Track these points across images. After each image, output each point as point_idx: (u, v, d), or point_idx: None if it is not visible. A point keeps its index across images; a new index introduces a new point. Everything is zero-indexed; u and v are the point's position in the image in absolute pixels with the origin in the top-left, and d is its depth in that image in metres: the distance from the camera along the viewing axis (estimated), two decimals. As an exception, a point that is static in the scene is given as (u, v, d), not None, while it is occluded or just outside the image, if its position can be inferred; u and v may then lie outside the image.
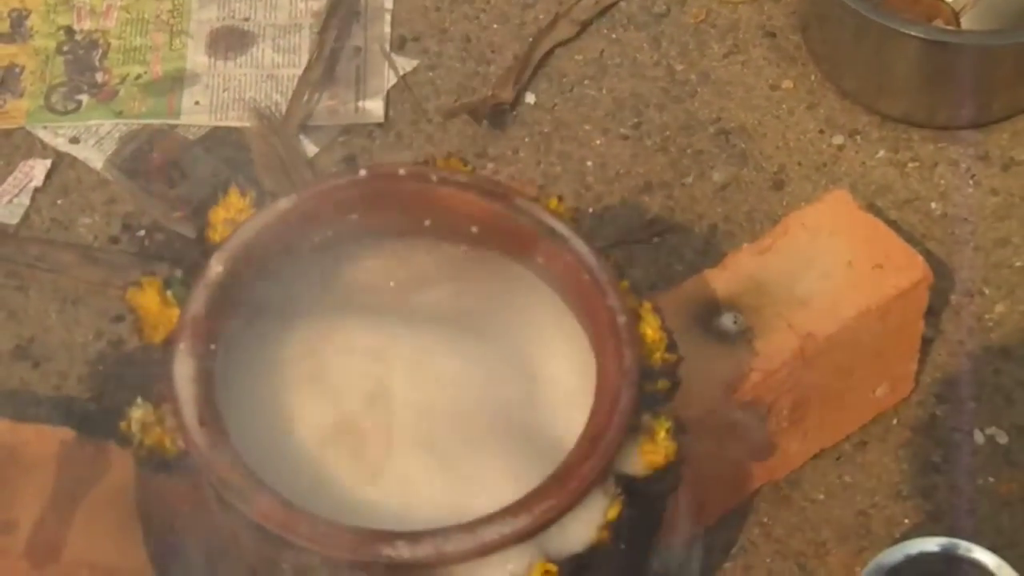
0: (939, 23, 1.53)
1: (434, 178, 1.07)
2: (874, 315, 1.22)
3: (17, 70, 1.54)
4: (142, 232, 1.42)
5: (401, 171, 1.08)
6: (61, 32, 1.57)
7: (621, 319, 1.01)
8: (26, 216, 1.43)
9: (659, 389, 1.01)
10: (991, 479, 1.28)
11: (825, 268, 1.23)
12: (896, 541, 1.12)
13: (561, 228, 1.05)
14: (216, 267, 1.02)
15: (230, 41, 1.56)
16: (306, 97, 1.50)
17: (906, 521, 1.26)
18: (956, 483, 1.28)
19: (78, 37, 1.57)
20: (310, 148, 1.48)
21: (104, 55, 1.55)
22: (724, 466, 1.21)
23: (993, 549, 1.07)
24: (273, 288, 1.05)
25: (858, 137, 1.49)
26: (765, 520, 1.25)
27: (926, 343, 1.32)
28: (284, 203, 1.05)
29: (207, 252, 1.04)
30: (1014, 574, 1.06)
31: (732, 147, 1.49)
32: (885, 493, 1.27)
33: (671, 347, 1.02)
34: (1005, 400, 1.32)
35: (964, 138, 1.49)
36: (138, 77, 1.53)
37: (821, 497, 1.27)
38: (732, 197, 1.45)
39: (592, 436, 0.97)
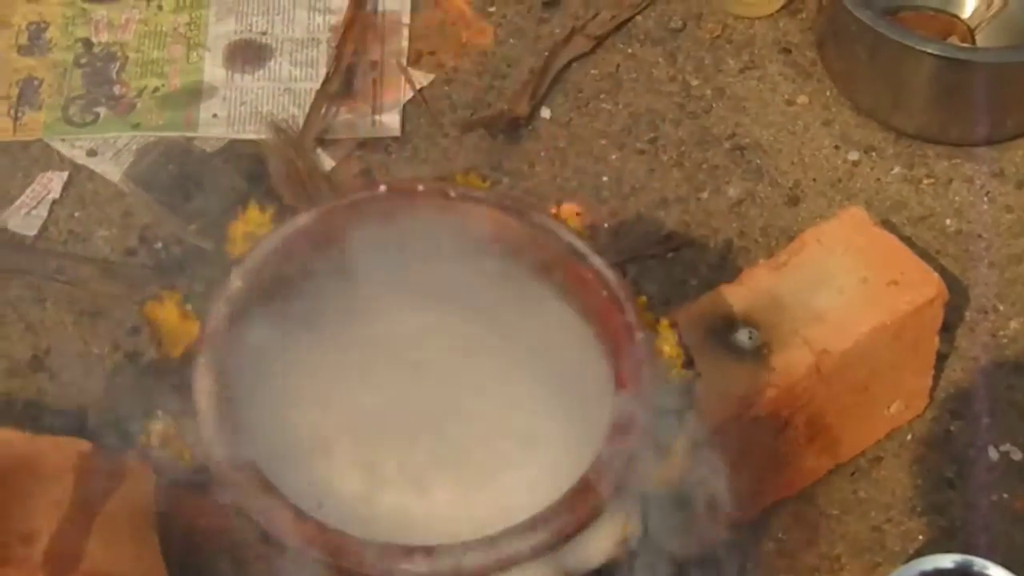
0: (954, 40, 1.53)
1: (452, 194, 1.08)
2: (889, 331, 1.23)
3: (35, 83, 1.54)
4: (159, 245, 1.42)
5: (420, 187, 1.08)
6: (79, 45, 1.57)
7: (639, 335, 1.01)
8: (44, 228, 1.43)
9: (676, 405, 1.02)
10: (1005, 495, 1.28)
11: (840, 284, 1.24)
12: (910, 557, 1.13)
13: (579, 244, 1.05)
14: (236, 281, 1.02)
15: (247, 55, 1.57)
16: (323, 111, 1.51)
17: (920, 537, 1.26)
18: (970, 499, 1.28)
19: (96, 50, 1.57)
20: (327, 161, 1.48)
21: (122, 68, 1.56)
22: (739, 481, 1.21)
23: (1007, 566, 1.07)
24: (292, 302, 1.05)
25: (873, 153, 1.50)
26: (779, 535, 1.25)
27: (940, 359, 1.33)
28: (304, 218, 1.06)
29: (226, 266, 1.04)
30: (1029, 591, 1.06)
31: (747, 162, 1.49)
32: (900, 509, 1.27)
33: (688, 363, 1.03)
34: (1019, 416, 1.32)
35: (979, 155, 1.49)
36: (156, 90, 1.54)
37: (835, 512, 1.27)
38: (747, 212, 1.45)
39: (609, 452, 0.97)
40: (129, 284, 1.38)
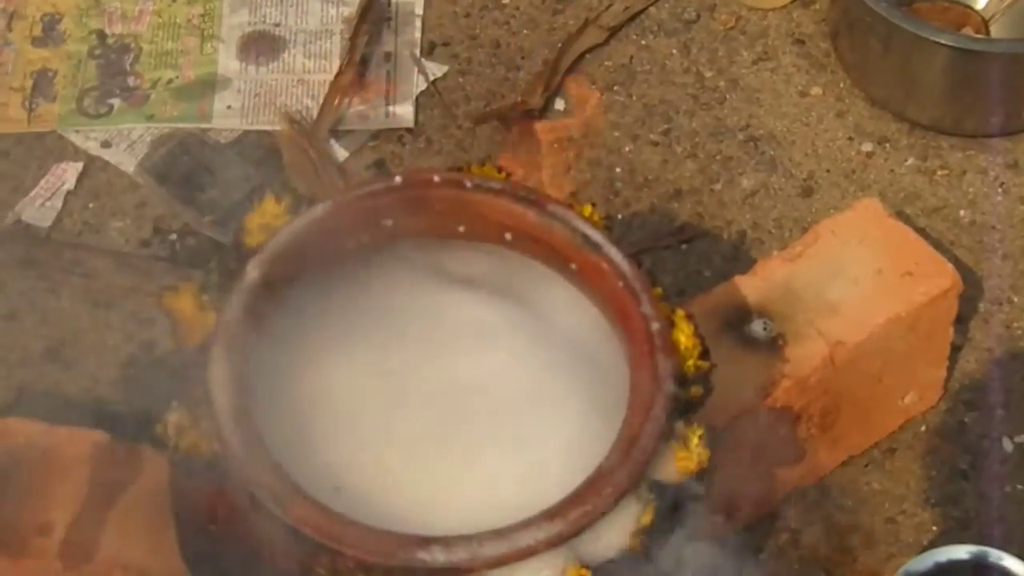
0: (968, 31, 1.53)
1: (468, 184, 1.08)
2: (903, 323, 1.23)
3: (50, 74, 1.54)
4: (173, 236, 1.42)
5: (436, 177, 1.08)
6: (93, 36, 1.58)
7: (655, 326, 1.01)
8: (58, 219, 1.44)
9: (692, 396, 1.02)
10: (1020, 486, 1.28)
11: (855, 275, 1.24)
12: (924, 548, 1.13)
13: (595, 235, 1.05)
14: (252, 272, 1.02)
15: (261, 46, 1.57)
16: (337, 102, 1.51)
17: (934, 528, 1.26)
18: (984, 490, 1.28)
19: (110, 41, 1.57)
20: (340, 153, 1.48)
21: (136, 59, 1.56)
22: (754, 472, 1.21)
23: (1022, 557, 1.07)
24: (309, 292, 1.05)
25: (887, 144, 1.50)
26: (793, 526, 1.25)
27: (955, 350, 1.33)
28: (320, 209, 1.06)
29: (243, 257, 1.04)
30: (1044, 581, 1.06)
31: (761, 154, 1.49)
32: (913, 500, 1.27)
33: (704, 354, 1.03)
34: (1033, 407, 1.32)
35: (993, 146, 1.49)
36: (169, 81, 1.54)
37: (849, 504, 1.27)
38: (761, 204, 1.45)
39: (626, 443, 0.97)
40: (143, 275, 1.38)
